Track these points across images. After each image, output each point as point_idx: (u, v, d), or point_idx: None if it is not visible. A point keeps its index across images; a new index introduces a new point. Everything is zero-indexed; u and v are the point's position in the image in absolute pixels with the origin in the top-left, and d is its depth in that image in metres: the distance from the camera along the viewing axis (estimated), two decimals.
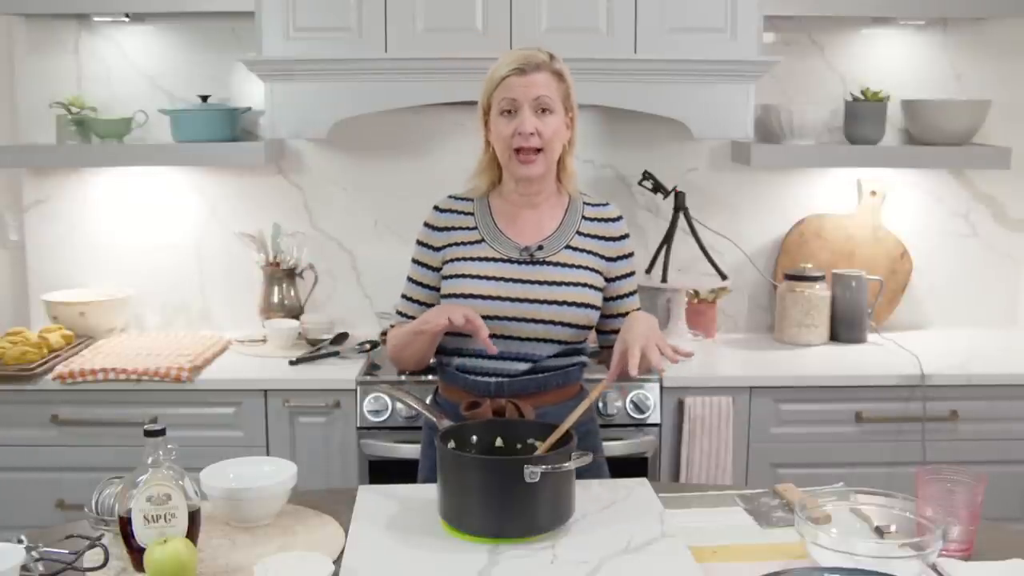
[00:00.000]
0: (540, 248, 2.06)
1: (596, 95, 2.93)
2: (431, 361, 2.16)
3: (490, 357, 2.04)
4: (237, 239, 3.30)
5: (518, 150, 2.00)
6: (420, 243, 2.14)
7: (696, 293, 3.29)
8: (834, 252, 3.37)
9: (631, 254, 2.15)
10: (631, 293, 2.15)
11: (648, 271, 3.21)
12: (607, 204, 2.15)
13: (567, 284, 2.03)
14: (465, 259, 2.06)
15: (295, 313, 3.23)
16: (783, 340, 3.25)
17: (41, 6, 3.04)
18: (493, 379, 2.05)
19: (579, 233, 2.09)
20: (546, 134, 1.99)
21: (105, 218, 3.32)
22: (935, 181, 3.40)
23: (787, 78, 3.28)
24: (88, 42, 3.24)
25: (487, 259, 2.05)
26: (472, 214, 2.11)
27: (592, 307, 2.06)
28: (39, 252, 3.33)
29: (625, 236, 2.14)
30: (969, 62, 3.33)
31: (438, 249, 2.11)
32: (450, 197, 2.16)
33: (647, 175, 3.16)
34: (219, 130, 3.12)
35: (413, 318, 2.10)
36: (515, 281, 2.03)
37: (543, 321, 2.02)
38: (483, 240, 2.08)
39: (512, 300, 2.02)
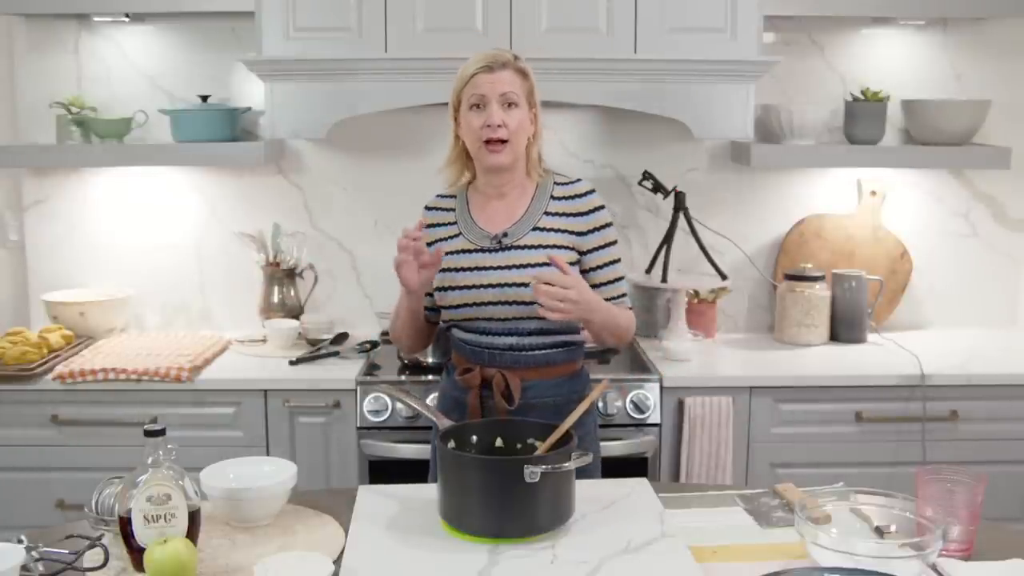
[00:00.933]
0: (506, 235, 2.16)
1: (596, 95, 2.93)
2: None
3: (479, 332, 2.15)
4: (237, 239, 3.30)
5: (487, 141, 2.11)
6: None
7: (696, 293, 3.29)
8: (834, 252, 3.37)
9: (606, 226, 2.19)
10: (610, 263, 2.20)
11: (648, 271, 3.20)
12: (578, 180, 2.23)
13: (533, 265, 2.11)
14: (447, 253, 2.18)
15: (295, 313, 3.23)
16: (783, 340, 3.25)
17: (41, 6, 3.04)
18: (486, 351, 2.16)
19: (547, 213, 2.18)
20: (512, 126, 2.12)
21: (105, 218, 3.32)
22: (935, 181, 3.40)
23: (787, 78, 3.27)
24: (88, 42, 3.24)
25: (463, 251, 2.17)
26: (453, 210, 2.24)
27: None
28: (39, 252, 3.33)
29: (597, 209, 2.19)
30: (969, 62, 3.33)
31: (429, 244, 2.22)
32: (437, 196, 2.30)
33: (647, 175, 3.16)
34: (219, 130, 3.12)
35: None
36: (487, 268, 2.14)
37: (516, 303, 2.12)
38: (460, 233, 2.20)
39: (486, 287, 2.13)
